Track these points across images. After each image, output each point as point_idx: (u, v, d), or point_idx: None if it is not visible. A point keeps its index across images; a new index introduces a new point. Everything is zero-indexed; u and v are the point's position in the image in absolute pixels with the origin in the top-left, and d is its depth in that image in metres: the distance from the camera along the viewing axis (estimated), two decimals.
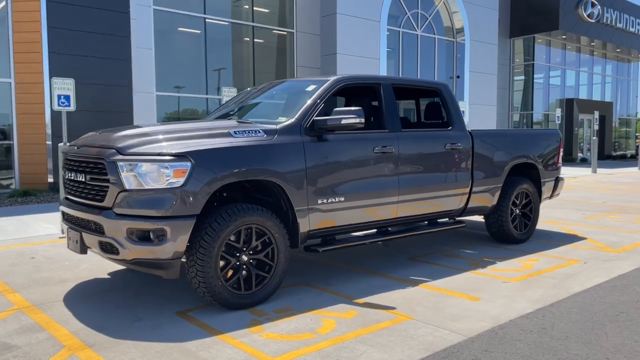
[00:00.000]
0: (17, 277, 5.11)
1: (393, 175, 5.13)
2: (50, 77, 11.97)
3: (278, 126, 4.47)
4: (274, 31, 17.37)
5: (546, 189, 6.94)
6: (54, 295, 4.53)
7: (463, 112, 15.54)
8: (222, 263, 4.05)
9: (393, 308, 4.18)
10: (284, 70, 17.51)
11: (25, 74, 12.03)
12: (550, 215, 8.84)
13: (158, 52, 14.35)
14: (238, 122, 4.71)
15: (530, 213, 6.70)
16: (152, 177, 3.79)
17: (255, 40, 16.83)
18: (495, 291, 4.63)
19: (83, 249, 4.14)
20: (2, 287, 4.80)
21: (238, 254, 4.14)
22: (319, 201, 4.57)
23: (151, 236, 3.78)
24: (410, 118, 7.16)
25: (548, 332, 3.69)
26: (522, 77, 26.86)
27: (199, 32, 15.45)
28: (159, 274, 3.96)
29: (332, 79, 4.98)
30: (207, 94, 15.65)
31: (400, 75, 18.56)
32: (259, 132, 4.33)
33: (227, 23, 16.18)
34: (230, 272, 4.10)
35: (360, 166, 4.88)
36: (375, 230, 5.37)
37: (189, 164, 3.83)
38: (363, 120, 4.58)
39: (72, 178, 4.29)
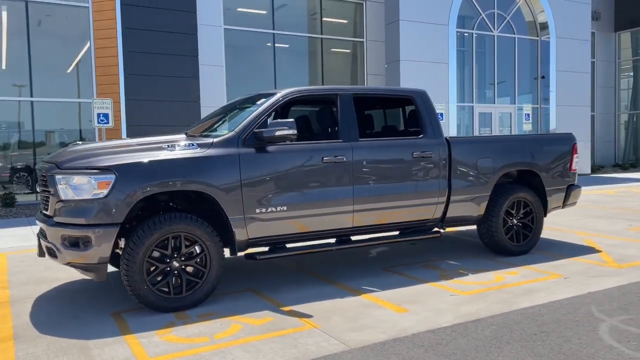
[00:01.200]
0: (22, 276, 5.83)
1: (346, 184, 5.15)
2: (126, 96, 13.31)
3: (214, 139, 4.72)
4: (344, 41, 17.59)
5: (554, 199, 6.46)
6: (35, 293, 5.14)
7: (526, 116, 14.68)
8: (153, 268, 4.38)
9: (310, 317, 4.24)
10: (355, 80, 17.68)
11: (105, 94, 13.37)
12: (587, 226, 8.14)
13: (229, 68, 15.20)
14: (187, 135, 5.02)
15: (531, 224, 6.28)
16: (81, 189, 4.23)
17: (325, 51, 17.17)
18: (433, 304, 4.49)
19: (41, 253, 4.69)
20: (2, 284, 5.52)
21: (168, 260, 4.44)
22: (257, 210, 4.74)
23: (79, 243, 4.21)
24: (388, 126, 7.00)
25: (439, 348, 3.55)
26: (631, 74, 24.52)
27: (268, 45, 16.06)
28: (91, 277, 4.38)
29: (279, 93, 5.14)
30: None
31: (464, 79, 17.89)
32: (193, 145, 4.61)
33: (296, 36, 16.69)
34: (160, 277, 4.41)
35: (305, 176, 4.97)
36: (335, 238, 5.42)
37: (113, 176, 4.22)
38: (295, 131, 4.70)
39: (38, 191, 4.87)
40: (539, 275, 5.35)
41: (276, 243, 5.05)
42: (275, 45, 16.20)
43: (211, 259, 4.55)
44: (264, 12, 16.21)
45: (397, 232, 5.82)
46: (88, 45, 13.25)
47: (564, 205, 6.62)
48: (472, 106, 17.81)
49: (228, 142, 4.73)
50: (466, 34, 17.55)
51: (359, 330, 3.90)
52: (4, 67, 13.18)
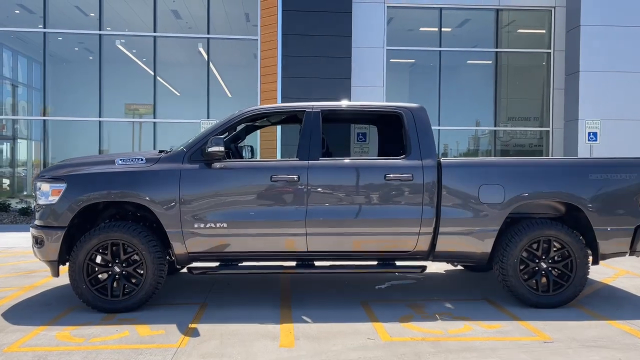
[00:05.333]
0: None
1: (298, 205, 4.85)
2: None
3: (163, 155, 4.98)
4: (530, 53, 15.95)
5: (612, 242, 4.96)
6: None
7: None
8: (96, 269, 4.82)
9: (197, 336, 4.17)
10: (541, 95, 15.87)
11: None
12: None
13: (390, 88, 15.18)
14: (160, 151, 5.34)
15: (568, 271, 4.94)
16: (45, 194, 4.90)
17: (508, 65, 15.87)
18: (331, 345, 3.99)
19: None
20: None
21: (110, 265, 4.83)
22: (196, 225, 4.82)
23: (38, 241, 4.88)
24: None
25: None
26: None
27: (433, 64, 15.58)
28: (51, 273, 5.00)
29: (237, 112, 5.14)
30: (439, 125, 15.46)
31: None
32: (141, 159, 4.94)
33: (470, 52, 15.83)
34: (102, 279, 4.83)
35: (249, 194, 4.87)
36: (295, 261, 5.13)
37: (64, 185, 4.80)
38: (221, 148, 4.68)
39: None
40: (524, 333, 4.23)
41: (225, 260, 5.04)
42: (442, 62, 15.56)
43: (147, 268, 4.79)
44: (434, 29, 15.74)
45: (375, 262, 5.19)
46: (255, 72, 14.75)
47: (632, 251, 5.03)
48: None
49: (174, 158, 4.93)
50: None
51: (207, 357, 3.70)
52: (229, 95, 15.57)
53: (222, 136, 4.84)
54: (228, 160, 5.00)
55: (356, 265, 5.08)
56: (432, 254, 5.04)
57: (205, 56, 14.83)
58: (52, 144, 15.09)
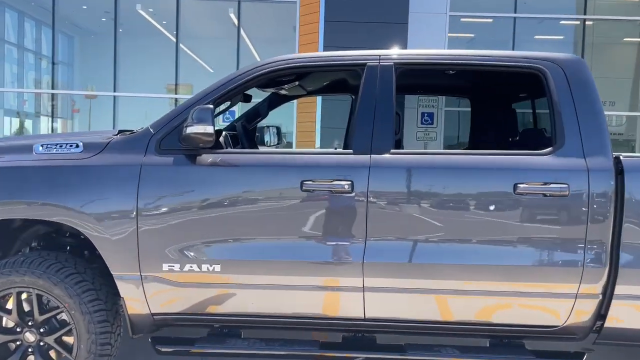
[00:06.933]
0: None
1: (350, 235, 2.64)
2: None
3: (113, 139, 2.83)
4: (622, 22, 13.27)
5: None
6: None
7: None
8: None
9: None
10: (633, 73, 13.22)
11: None
12: None
13: None
14: (119, 131, 3.18)
15: None
16: None
17: (589, 37, 13.24)
18: None
19: None
20: None
21: (19, 330, 2.75)
22: (166, 266, 2.68)
23: None
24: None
25: None
26: None
27: (498, 38, 13.14)
28: None
29: (250, 66, 2.92)
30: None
31: None
32: (77, 146, 2.80)
33: (548, 19, 13.24)
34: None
35: (262, 212, 2.68)
36: (342, 333, 2.91)
37: None
38: (207, 129, 2.50)
39: None
40: None
41: (221, 327, 2.87)
42: (517, 31, 13.02)
43: (79, 337, 2.69)
44: None
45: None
46: (293, 47, 12.65)
47: None
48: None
49: (131, 144, 2.78)
50: None
51: None
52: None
53: (211, 106, 2.63)
54: (226, 150, 2.84)
55: (451, 348, 2.80)
56: (599, 330, 2.73)
57: (236, 22, 12.74)
58: (65, 121, 13.56)
